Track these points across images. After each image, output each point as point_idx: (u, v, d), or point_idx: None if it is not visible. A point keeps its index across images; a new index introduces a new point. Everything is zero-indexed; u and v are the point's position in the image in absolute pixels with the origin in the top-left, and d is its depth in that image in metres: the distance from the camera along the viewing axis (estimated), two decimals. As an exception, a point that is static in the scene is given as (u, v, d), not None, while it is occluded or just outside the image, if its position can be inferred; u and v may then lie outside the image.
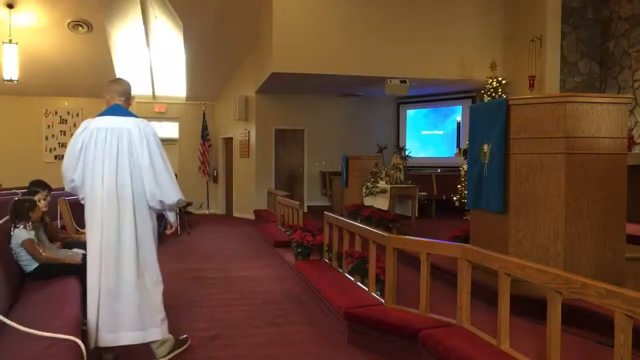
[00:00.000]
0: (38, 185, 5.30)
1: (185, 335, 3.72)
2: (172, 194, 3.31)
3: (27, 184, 5.99)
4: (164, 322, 3.40)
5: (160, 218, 3.64)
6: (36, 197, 4.51)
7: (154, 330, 3.34)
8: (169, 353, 3.43)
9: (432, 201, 9.91)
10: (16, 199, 4.25)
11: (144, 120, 3.42)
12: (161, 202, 3.31)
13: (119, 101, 3.47)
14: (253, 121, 12.05)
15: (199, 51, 11.27)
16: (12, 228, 3.96)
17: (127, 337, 3.26)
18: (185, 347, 3.59)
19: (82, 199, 3.39)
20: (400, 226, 7.38)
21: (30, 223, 3.96)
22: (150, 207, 3.35)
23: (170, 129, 13.16)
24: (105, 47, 11.00)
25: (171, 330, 3.50)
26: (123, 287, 3.25)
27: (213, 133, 13.13)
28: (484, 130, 4.28)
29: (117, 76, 11.87)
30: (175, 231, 3.48)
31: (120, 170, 3.25)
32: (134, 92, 3.64)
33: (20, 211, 3.98)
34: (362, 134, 12.46)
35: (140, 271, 3.30)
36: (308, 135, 12.46)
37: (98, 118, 3.38)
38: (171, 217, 3.53)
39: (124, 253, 3.26)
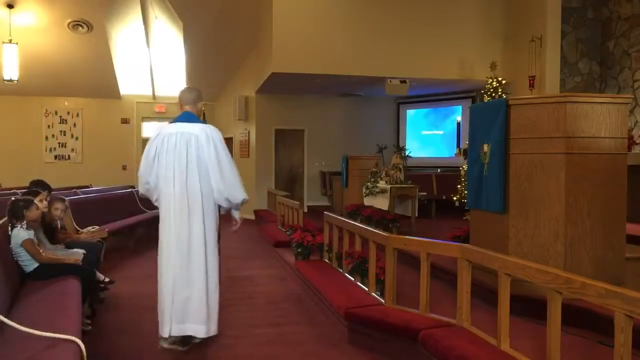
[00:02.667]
0: (38, 185, 5.30)
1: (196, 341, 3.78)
2: (237, 193, 3.62)
3: (27, 184, 5.99)
4: (210, 323, 3.59)
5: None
6: (38, 198, 4.51)
7: (213, 327, 3.59)
8: (171, 343, 3.57)
9: (432, 201, 9.91)
10: (13, 198, 4.25)
11: (211, 126, 3.70)
12: (227, 199, 3.61)
13: (189, 108, 3.75)
14: (253, 121, 12.05)
15: (199, 51, 11.28)
16: (10, 228, 3.96)
17: (193, 329, 3.51)
18: (183, 349, 3.63)
19: (156, 200, 3.69)
20: (400, 226, 7.38)
21: (25, 222, 3.95)
22: (216, 206, 3.65)
23: (170, 129, 13.15)
24: (105, 47, 11.01)
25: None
26: (194, 281, 3.50)
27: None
28: (484, 130, 4.28)
29: (117, 75, 11.92)
30: (238, 228, 3.89)
31: (189, 173, 3.53)
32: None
33: (15, 211, 3.98)
34: (362, 134, 12.46)
35: (207, 268, 3.55)
36: (308, 135, 12.46)
37: (170, 125, 3.68)
38: (236, 214, 3.82)
39: (195, 250, 3.52)
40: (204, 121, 3.77)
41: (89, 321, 4.09)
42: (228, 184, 3.58)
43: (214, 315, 3.60)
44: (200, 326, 3.52)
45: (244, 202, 3.70)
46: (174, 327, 3.49)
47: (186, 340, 3.58)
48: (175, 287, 3.49)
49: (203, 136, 3.55)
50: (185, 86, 4.05)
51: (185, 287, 3.49)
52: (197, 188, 3.54)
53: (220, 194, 3.59)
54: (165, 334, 3.50)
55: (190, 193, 3.53)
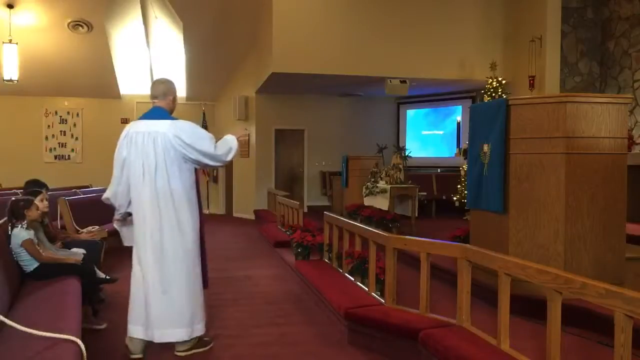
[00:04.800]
0: (36, 184, 5.30)
1: (208, 338, 3.74)
2: (205, 144, 3.41)
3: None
4: (201, 321, 3.53)
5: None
6: (38, 198, 4.50)
7: (196, 327, 3.49)
8: (188, 349, 3.51)
9: (432, 201, 9.91)
10: (13, 198, 4.25)
11: (179, 120, 3.48)
12: (201, 151, 3.39)
13: (157, 103, 3.57)
14: (253, 121, 12.05)
15: (199, 51, 11.27)
16: (10, 228, 3.96)
17: (172, 334, 3.41)
18: (207, 349, 3.61)
19: (120, 206, 3.55)
20: (400, 226, 7.38)
21: (26, 222, 3.95)
22: (195, 206, 3.49)
23: (170, 129, 13.15)
24: (105, 47, 11.00)
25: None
26: (166, 283, 3.38)
27: (213, 133, 12.99)
28: (484, 130, 4.28)
29: (117, 75, 11.91)
30: (245, 136, 3.63)
31: (158, 174, 3.37)
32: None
33: (16, 210, 3.98)
34: (362, 134, 12.46)
35: (179, 269, 3.43)
36: (308, 135, 12.46)
37: (136, 122, 3.51)
38: (232, 142, 3.59)
39: (169, 252, 3.40)
40: (174, 117, 3.53)
41: (95, 320, 4.11)
42: (220, 160, 3.52)
43: (198, 315, 3.51)
44: (180, 330, 3.42)
45: (220, 156, 3.53)
46: (148, 332, 3.39)
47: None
48: (150, 291, 3.38)
49: (170, 134, 3.37)
50: (159, 78, 3.79)
51: (162, 291, 3.37)
52: (167, 189, 3.37)
53: (193, 149, 3.43)
54: (134, 335, 3.41)
55: (160, 195, 3.37)
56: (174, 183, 3.40)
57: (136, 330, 3.43)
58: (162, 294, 3.38)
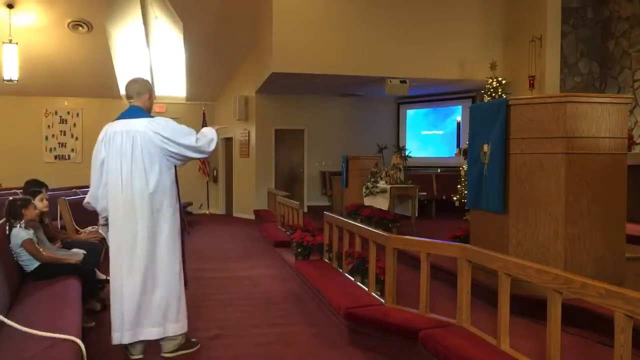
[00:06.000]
0: (36, 184, 5.30)
1: (195, 339, 3.72)
2: (185, 137, 3.39)
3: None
4: (182, 320, 3.49)
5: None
6: (38, 197, 4.51)
7: (171, 326, 3.44)
8: (174, 350, 3.50)
9: (432, 201, 9.91)
10: (11, 198, 4.25)
11: (157, 118, 3.45)
12: (182, 144, 3.38)
13: (134, 102, 3.53)
14: (253, 121, 12.06)
15: (199, 51, 11.27)
16: (8, 227, 3.96)
17: (147, 333, 3.39)
18: (192, 350, 3.59)
19: (102, 209, 3.50)
20: (400, 226, 7.38)
21: (23, 221, 3.95)
22: (173, 206, 3.46)
23: (170, 129, 13.14)
24: (105, 47, 11.00)
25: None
26: (143, 284, 3.35)
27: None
28: (484, 130, 4.28)
29: (117, 75, 11.90)
30: (225, 127, 3.81)
31: (134, 174, 3.33)
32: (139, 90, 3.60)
33: (13, 210, 3.98)
34: (362, 134, 12.45)
35: (157, 270, 3.39)
36: (308, 135, 12.46)
37: (114, 122, 3.46)
38: (211, 134, 3.53)
39: (142, 253, 3.35)
40: (151, 115, 3.49)
41: (85, 319, 4.09)
42: (202, 151, 3.48)
43: (174, 314, 3.45)
44: (155, 328, 3.39)
45: (213, 141, 3.51)
46: (127, 334, 3.36)
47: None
48: (125, 292, 3.35)
49: (150, 131, 3.34)
50: (134, 77, 3.77)
51: (140, 291, 3.35)
52: (145, 189, 3.34)
53: (201, 155, 3.54)
54: (117, 342, 3.38)
55: (136, 195, 3.33)
56: (153, 183, 3.36)
57: (118, 337, 3.38)
58: (140, 294, 3.34)
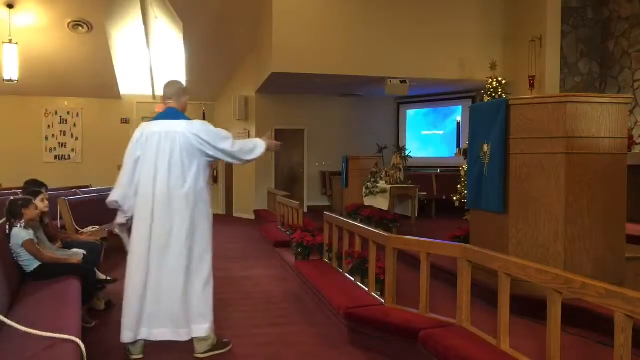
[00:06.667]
0: (36, 184, 5.30)
1: (227, 340, 3.71)
2: (222, 142, 3.47)
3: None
4: (210, 321, 3.49)
5: None
6: (39, 198, 4.51)
7: (198, 327, 3.44)
8: (207, 351, 3.50)
9: (432, 201, 9.91)
10: (12, 198, 4.25)
11: (195, 121, 3.52)
12: (218, 148, 3.45)
13: (171, 104, 3.58)
14: (253, 121, 12.06)
15: (199, 51, 11.27)
16: (8, 227, 3.95)
17: (169, 333, 3.39)
18: (226, 350, 3.59)
19: (129, 208, 3.49)
20: (400, 226, 7.37)
21: (23, 221, 3.95)
22: (207, 205, 3.52)
23: (170, 129, 13.14)
24: (105, 47, 11.00)
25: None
26: (171, 284, 3.36)
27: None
28: (484, 130, 4.28)
29: (117, 75, 11.91)
30: (278, 147, 3.85)
31: (174, 172, 3.38)
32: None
33: (13, 209, 3.98)
34: (362, 134, 12.45)
35: (190, 270, 3.42)
36: (308, 135, 12.46)
37: (151, 123, 3.53)
38: (261, 148, 3.62)
39: (175, 252, 3.37)
40: (188, 117, 3.57)
41: (86, 319, 4.09)
42: (238, 158, 3.56)
43: (203, 315, 3.46)
44: (179, 330, 3.40)
45: (256, 151, 3.60)
46: (143, 331, 3.38)
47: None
48: (149, 290, 3.36)
49: (189, 132, 3.39)
50: (170, 80, 3.78)
51: (160, 290, 3.35)
52: (183, 188, 3.38)
53: (235, 161, 3.61)
54: (126, 340, 3.37)
55: (173, 194, 3.37)
56: (191, 183, 3.41)
57: (128, 336, 3.37)
58: (171, 293, 3.37)
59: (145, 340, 3.45)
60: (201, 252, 3.48)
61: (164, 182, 3.37)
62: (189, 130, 3.41)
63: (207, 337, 3.49)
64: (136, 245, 3.43)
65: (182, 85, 3.72)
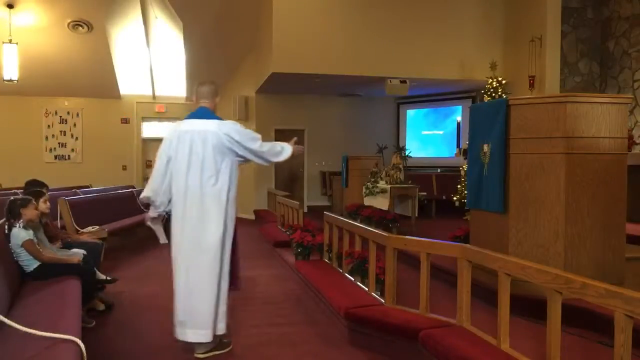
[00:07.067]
0: (36, 184, 5.30)
1: (228, 340, 3.73)
2: (252, 142, 3.59)
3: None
4: (215, 325, 3.51)
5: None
6: (41, 199, 4.51)
7: (219, 325, 3.53)
8: (208, 352, 3.53)
9: (432, 201, 9.91)
10: (12, 198, 4.25)
11: (227, 121, 3.62)
12: (248, 148, 3.56)
13: (204, 103, 3.67)
14: (253, 121, 12.05)
15: (199, 51, 11.27)
16: (8, 227, 3.95)
17: (197, 335, 3.43)
18: (226, 350, 3.61)
19: (160, 204, 3.58)
20: (400, 226, 7.38)
21: (22, 221, 3.95)
22: (233, 205, 3.60)
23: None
24: (105, 47, 11.00)
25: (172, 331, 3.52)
26: (203, 285, 3.43)
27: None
28: (484, 130, 4.28)
29: (117, 75, 11.91)
30: (301, 151, 3.99)
31: (207, 171, 3.45)
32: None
33: (12, 209, 3.99)
34: (362, 134, 12.45)
35: (221, 269, 3.51)
36: (308, 135, 12.46)
37: (184, 122, 3.61)
38: (288, 152, 3.77)
39: (208, 251, 3.44)
40: (219, 117, 3.67)
41: (86, 319, 4.09)
42: (265, 158, 3.68)
43: (222, 316, 3.56)
44: (204, 331, 3.44)
45: (260, 149, 3.66)
46: (179, 331, 3.47)
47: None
48: (184, 290, 3.45)
49: (221, 132, 3.49)
50: (202, 80, 3.87)
51: (195, 291, 3.42)
52: (214, 185, 3.47)
53: (262, 162, 3.73)
54: (183, 337, 3.47)
55: (205, 190, 3.46)
56: (222, 180, 3.49)
57: (181, 333, 3.46)
58: (192, 292, 3.44)
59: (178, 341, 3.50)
60: (227, 253, 3.57)
61: (197, 179, 3.45)
62: (220, 129, 3.49)
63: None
64: (173, 245, 3.55)
65: (216, 86, 3.81)
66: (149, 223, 3.77)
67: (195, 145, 3.46)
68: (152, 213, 3.69)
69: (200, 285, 3.43)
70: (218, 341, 3.58)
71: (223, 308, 3.55)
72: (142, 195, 3.64)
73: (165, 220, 3.81)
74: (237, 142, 3.51)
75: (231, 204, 3.56)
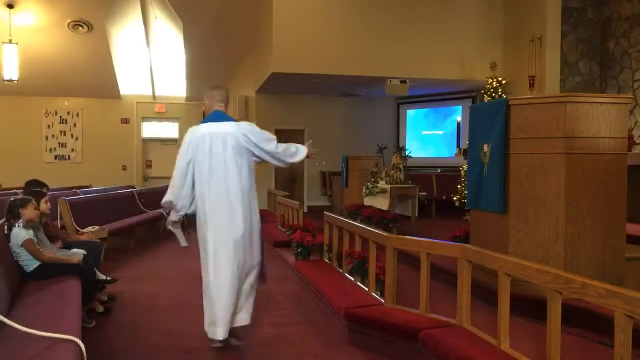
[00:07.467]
0: (36, 184, 5.29)
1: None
2: (291, 160, 3.81)
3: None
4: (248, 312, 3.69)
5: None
6: (43, 200, 4.51)
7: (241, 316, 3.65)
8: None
9: (432, 201, 9.91)
10: (12, 198, 4.25)
11: (243, 122, 3.73)
12: (264, 149, 3.67)
13: (219, 107, 3.77)
14: (253, 121, 11.97)
15: (199, 51, 11.27)
16: (7, 227, 3.95)
17: (240, 320, 3.62)
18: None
19: (181, 207, 3.66)
20: (400, 226, 7.38)
21: (21, 220, 3.95)
22: (256, 203, 3.78)
23: (170, 129, 13.16)
24: (105, 47, 11.01)
25: (174, 331, 3.52)
26: (227, 283, 3.53)
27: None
28: (484, 130, 4.28)
29: (117, 75, 11.91)
30: (317, 155, 4.03)
31: (230, 172, 3.55)
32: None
33: (12, 209, 3.99)
34: (362, 134, 12.45)
35: (248, 266, 3.61)
36: (308, 135, 12.45)
37: (201, 125, 3.68)
38: (303, 152, 3.85)
39: (236, 249, 3.54)
40: (235, 119, 3.77)
41: (86, 319, 4.09)
42: (280, 159, 3.77)
43: (249, 310, 3.70)
44: (246, 315, 3.64)
45: (299, 154, 3.82)
46: (218, 330, 3.54)
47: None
48: (221, 287, 3.53)
49: (239, 133, 3.58)
50: (213, 84, 3.98)
51: (228, 285, 3.52)
52: (238, 185, 3.57)
53: (283, 163, 3.83)
54: (220, 337, 3.53)
55: (232, 192, 3.55)
56: (244, 179, 3.61)
57: (221, 332, 3.53)
58: (229, 286, 3.52)
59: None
60: (256, 249, 3.68)
61: (220, 180, 3.53)
62: (238, 130, 3.59)
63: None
64: (202, 246, 3.63)
65: (226, 90, 3.95)
66: (170, 227, 3.85)
67: (215, 147, 3.54)
68: (173, 217, 3.77)
69: (233, 278, 3.52)
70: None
71: (250, 304, 3.68)
72: (164, 200, 3.71)
73: (184, 224, 3.90)
74: (253, 143, 3.61)
75: (254, 201, 3.72)
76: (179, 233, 3.87)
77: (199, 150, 3.57)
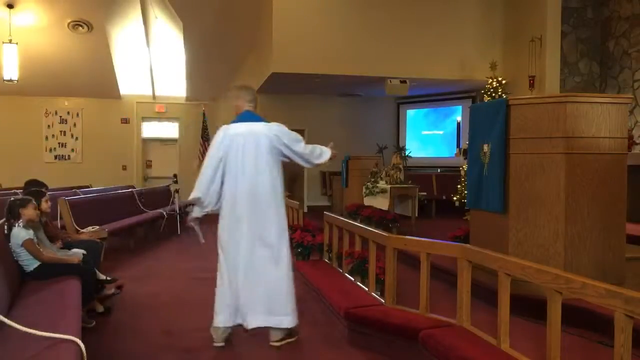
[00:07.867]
0: (36, 184, 5.29)
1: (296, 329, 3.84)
2: (297, 144, 3.82)
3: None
4: (294, 312, 3.70)
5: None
6: (43, 199, 4.51)
7: (285, 318, 3.66)
8: (281, 340, 3.69)
9: (432, 201, 9.91)
10: (12, 198, 4.25)
11: (273, 123, 3.81)
12: (293, 150, 3.78)
13: (250, 107, 3.88)
14: (253, 121, 12.05)
15: (199, 51, 11.27)
16: (7, 227, 3.95)
17: (258, 320, 3.63)
18: (294, 339, 3.76)
19: (207, 204, 3.72)
20: (400, 226, 7.37)
21: (21, 220, 3.94)
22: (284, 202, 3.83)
23: (170, 129, 13.15)
24: (105, 47, 11.01)
25: (174, 330, 3.51)
26: (262, 274, 3.61)
27: (213, 133, 13.05)
28: (484, 130, 4.28)
29: (117, 75, 11.91)
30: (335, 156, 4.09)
31: (262, 171, 3.64)
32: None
33: (12, 209, 3.99)
34: (362, 134, 12.46)
35: (279, 260, 3.68)
36: (308, 135, 12.44)
37: (233, 125, 3.77)
38: (327, 154, 3.94)
39: (271, 245, 3.65)
40: (265, 119, 3.84)
41: (86, 319, 4.09)
42: (307, 160, 3.86)
43: (288, 306, 3.70)
44: (285, 317, 3.65)
45: (324, 156, 3.91)
46: (237, 319, 3.63)
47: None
48: (244, 284, 3.58)
49: (271, 134, 3.67)
50: (241, 84, 4.17)
51: (261, 283, 3.58)
52: (270, 183, 3.65)
53: (309, 164, 3.94)
54: (227, 325, 3.63)
55: (261, 189, 3.62)
56: (275, 178, 3.71)
57: (222, 320, 3.63)
58: (259, 281, 3.59)
59: (232, 331, 3.69)
60: (284, 243, 3.76)
61: (252, 180, 3.62)
62: (270, 131, 3.69)
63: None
64: (226, 240, 3.69)
65: (255, 91, 4.04)
66: (191, 223, 3.90)
67: (248, 146, 3.63)
68: (196, 213, 3.80)
69: (268, 277, 3.60)
70: (288, 331, 3.73)
71: (286, 299, 3.69)
72: (192, 196, 3.75)
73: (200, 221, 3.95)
74: (285, 144, 3.71)
75: (282, 200, 3.79)
76: (198, 230, 3.94)
77: (232, 149, 3.64)
